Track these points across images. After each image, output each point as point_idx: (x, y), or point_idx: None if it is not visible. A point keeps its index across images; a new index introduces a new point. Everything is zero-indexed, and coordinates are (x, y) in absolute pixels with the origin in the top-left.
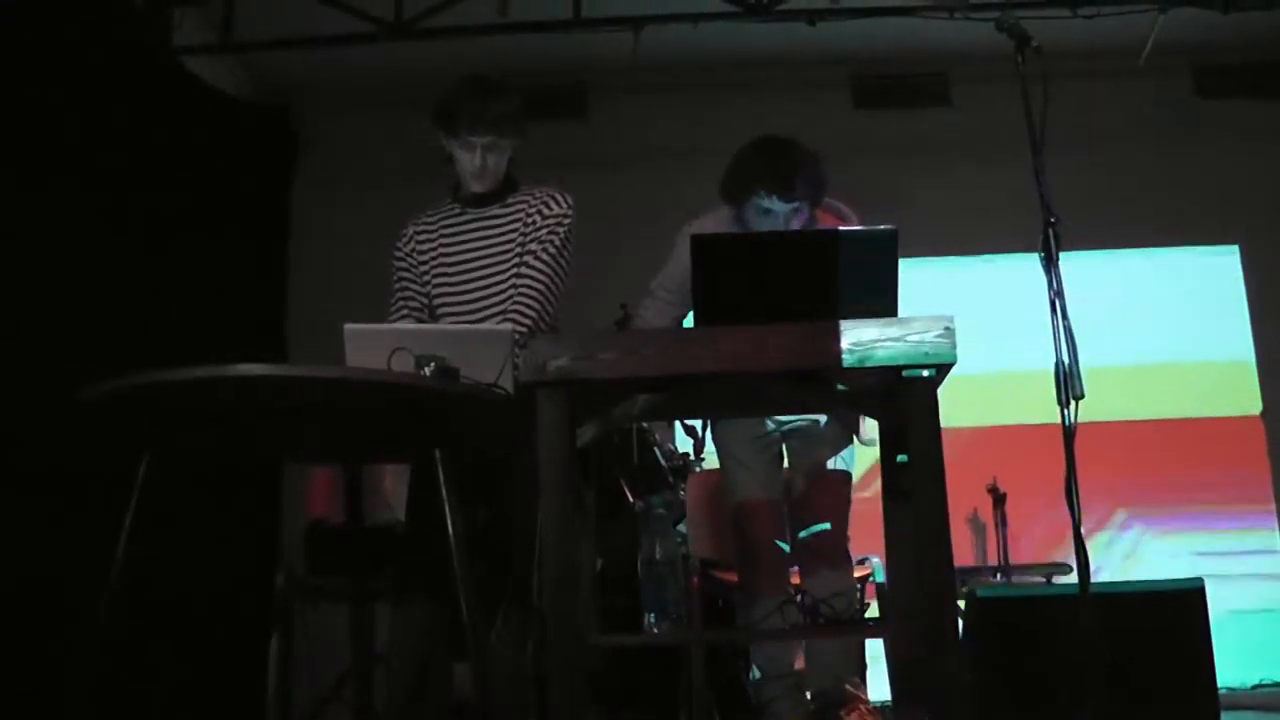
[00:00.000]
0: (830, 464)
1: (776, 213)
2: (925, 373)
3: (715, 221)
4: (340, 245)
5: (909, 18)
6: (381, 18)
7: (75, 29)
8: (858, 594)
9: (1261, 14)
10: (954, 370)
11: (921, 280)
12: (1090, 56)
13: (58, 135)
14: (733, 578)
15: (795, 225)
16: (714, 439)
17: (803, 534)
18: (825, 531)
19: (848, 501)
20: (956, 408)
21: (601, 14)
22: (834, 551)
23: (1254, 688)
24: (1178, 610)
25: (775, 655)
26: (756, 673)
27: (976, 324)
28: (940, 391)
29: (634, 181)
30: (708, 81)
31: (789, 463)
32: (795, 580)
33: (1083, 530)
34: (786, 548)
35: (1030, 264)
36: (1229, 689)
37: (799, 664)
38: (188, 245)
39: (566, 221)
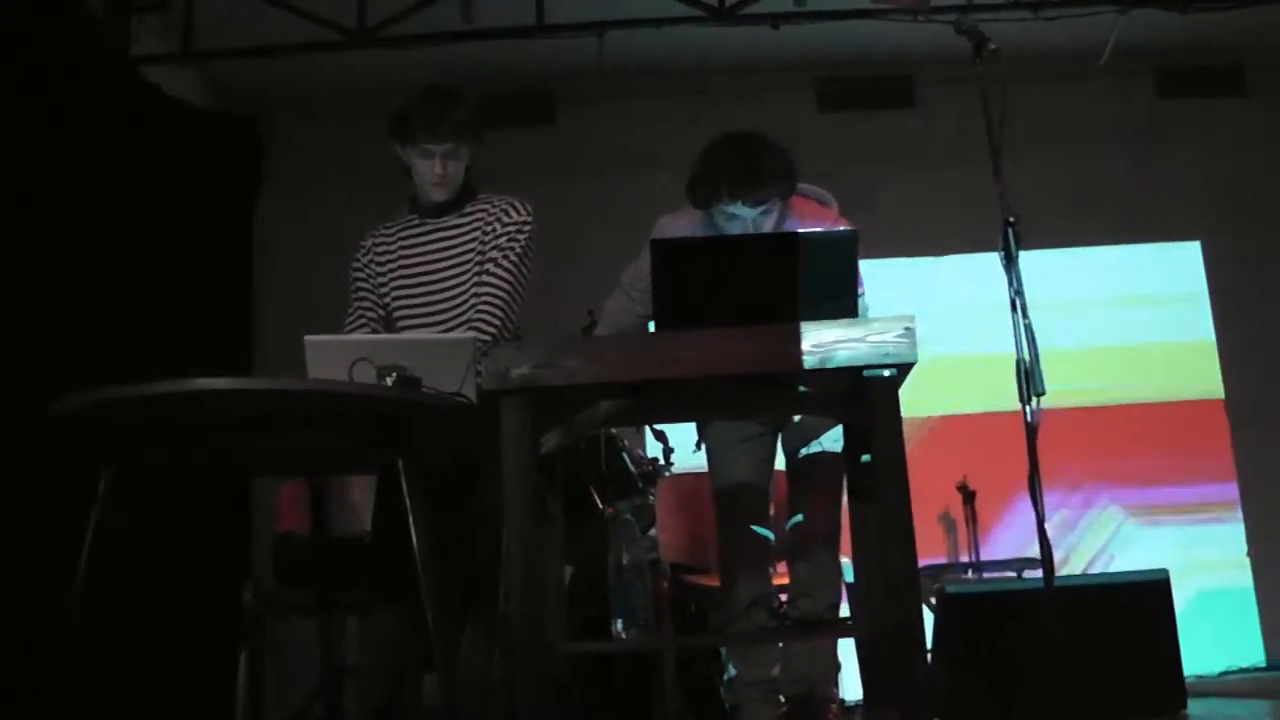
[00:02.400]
0: (822, 446)
1: (744, 218)
2: (886, 373)
3: (690, 218)
4: (306, 255)
5: (872, 21)
6: (345, 25)
7: (32, 37)
8: (841, 582)
9: (1219, 15)
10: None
11: (884, 280)
12: (1052, 58)
13: (13, 145)
14: (704, 581)
15: (766, 224)
16: (704, 442)
17: (789, 524)
18: (806, 522)
19: (839, 482)
20: (924, 394)
21: (565, 20)
22: (821, 541)
23: (1221, 674)
24: (1144, 601)
25: (750, 658)
26: (730, 672)
27: (942, 321)
28: (909, 380)
29: (601, 187)
30: (673, 86)
31: (784, 447)
32: (779, 580)
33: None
34: (769, 535)
35: (992, 263)
36: (1196, 676)
37: (776, 670)
38: (150, 256)
39: (527, 229)
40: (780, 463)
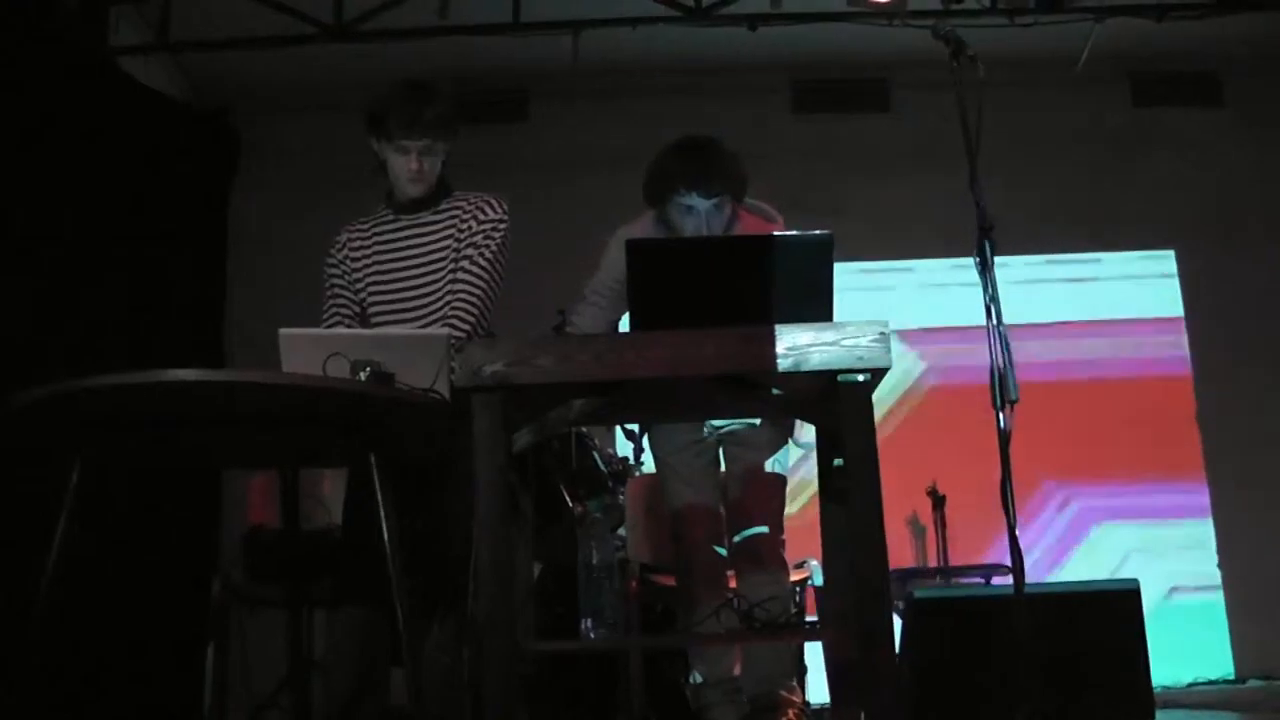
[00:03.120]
0: (767, 466)
1: (698, 209)
2: (860, 377)
3: (643, 226)
4: (280, 249)
5: (848, 24)
6: (321, 20)
7: (6, 26)
8: (795, 596)
9: (1195, 23)
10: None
11: (858, 285)
12: (1028, 65)
13: None
14: (672, 582)
15: (718, 221)
16: (650, 445)
17: (737, 538)
18: (759, 535)
19: (782, 504)
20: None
21: (541, 18)
22: (769, 554)
23: (1189, 685)
24: (1113, 610)
25: (714, 660)
26: (696, 678)
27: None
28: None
29: (574, 185)
30: (648, 86)
31: (725, 466)
32: (733, 584)
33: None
34: (724, 552)
35: (966, 269)
36: (1164, 687)
37: (737, 669)
38: (123, 249)
39: (502, 226)
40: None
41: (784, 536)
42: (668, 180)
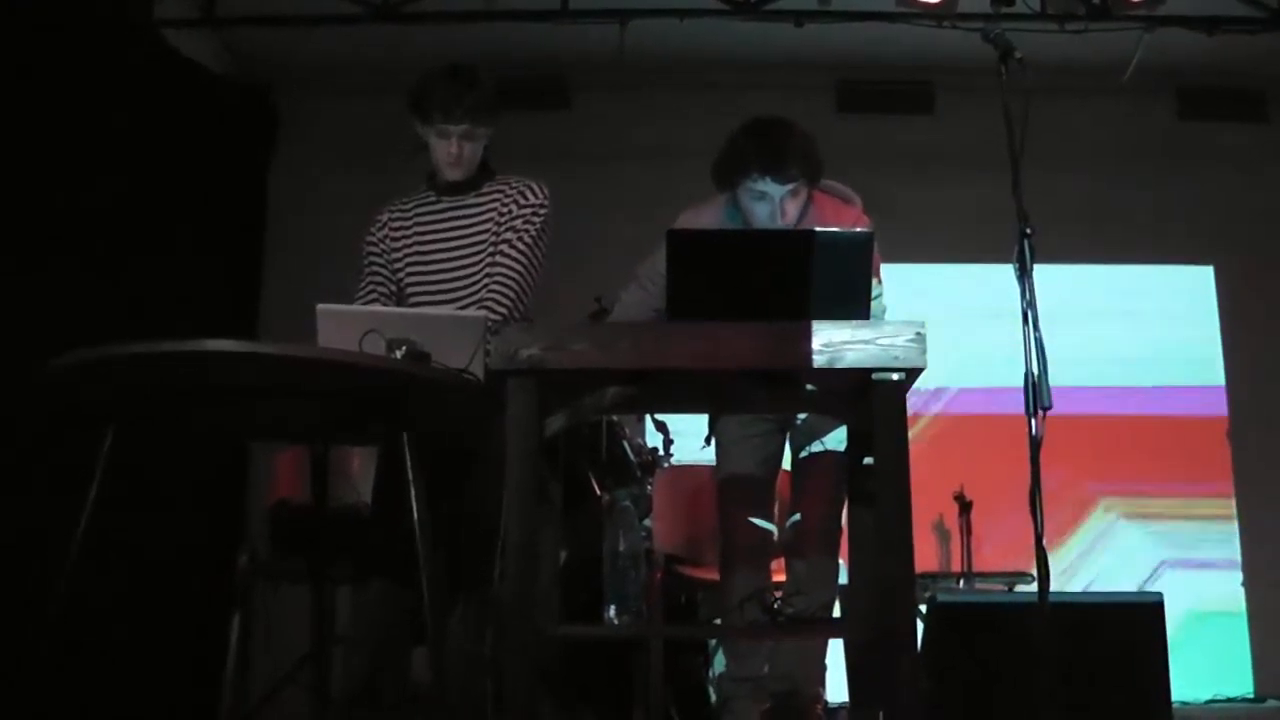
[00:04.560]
0: (825, 446)
1: (772, 196)
2: (895, 377)
3: (713, 211)
4: (317, 227)
5: (896, 24)
6: (368, 0)
7: None
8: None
9: (1245, 38)
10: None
11: (897, 286)
12: (1074, 73)
13: (30, 104)
14: (697, 574)
15: (792, 206)
16: (714, 434)
17: (788, 523)
18: (808, 521)
19: (842, 492)
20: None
21: (588, 6)
22: (817, 543)
23: (1208, 702)
24: (1135, 623)
25: (742, 655)
26: (718, 669)
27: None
28: None
29: (613, 175)
30: (691, 79)
31: (790, 446)
32: (777, 576)
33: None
34: (772, 527)
35: (1005, 274)
36: (1183, 703)
37: (766, 668)
38: (162, 220)
39: (543, 211)
40: (787, 461)
41: (843, 525)
42: (740, 164)
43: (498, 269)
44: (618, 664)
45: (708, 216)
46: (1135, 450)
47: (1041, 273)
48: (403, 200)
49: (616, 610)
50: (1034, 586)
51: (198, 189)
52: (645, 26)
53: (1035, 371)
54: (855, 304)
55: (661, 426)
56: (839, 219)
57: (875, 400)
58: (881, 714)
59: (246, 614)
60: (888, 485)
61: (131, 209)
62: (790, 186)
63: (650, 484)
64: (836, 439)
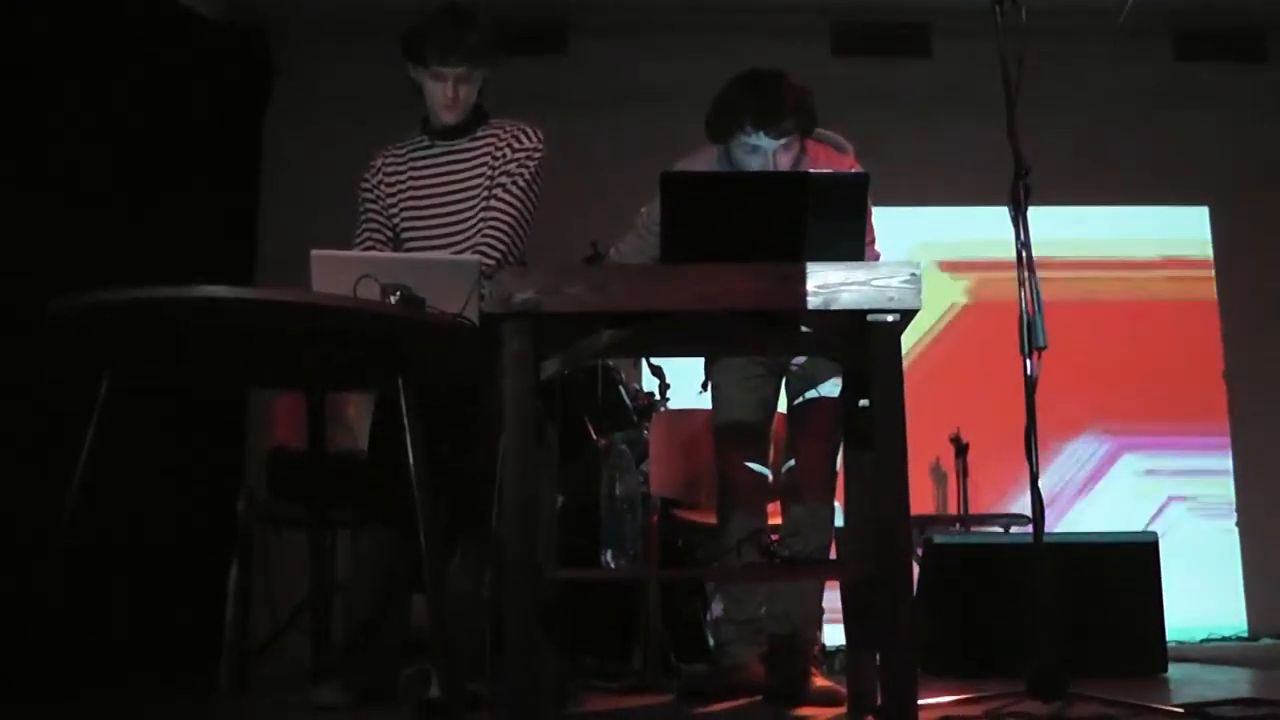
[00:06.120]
0: (819, 393)
1: (765, 149)
2: (890, 318)
3: (705, 160)
4: (313, 174)
5: None
6: None
7: None
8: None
9: None
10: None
11: (892, 228)
12: (1070, 14)
13: (22, 49)
14: (693, 517)
15: (785, 159)
16: (710, 378)
17: (784, 468)
18: (803, 465)
19: (838, 437)
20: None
21: None
22: (813, 486)
23: (1202, 642)
24: (1131, 562)
25: (739, 598)
26: (715, 612)
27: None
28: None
29: (609, 120)
30: (687, 23)
31: (786, 391)
32: (773, 520)
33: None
34: (766, 471)
35: (1000, 216)
36: (1178, 642)
37: (763, 610)
38: (155, 166)
39: (537, 155)
40: (783, 406)
41: (838, 470)
42: (733, 116)
43: (492, 213)
44: (616, 607)
45: (700, 162)
46: (1129, 391)
47: (1035, 214)
48: (396, 145)
49: (613, 554)
50: (1030, 528)
51: (193, 135)
52: None
53: (1030, 312)
54: (850, 245)
55: (657, 371)
56: (833, 168)
57: (871, 341)
58: (878, 656)
59: (246, 560)
60: (884, 426)
61: (127, 155)
62: (783, 140)
63: (647, 428)
64: (833, 384)
